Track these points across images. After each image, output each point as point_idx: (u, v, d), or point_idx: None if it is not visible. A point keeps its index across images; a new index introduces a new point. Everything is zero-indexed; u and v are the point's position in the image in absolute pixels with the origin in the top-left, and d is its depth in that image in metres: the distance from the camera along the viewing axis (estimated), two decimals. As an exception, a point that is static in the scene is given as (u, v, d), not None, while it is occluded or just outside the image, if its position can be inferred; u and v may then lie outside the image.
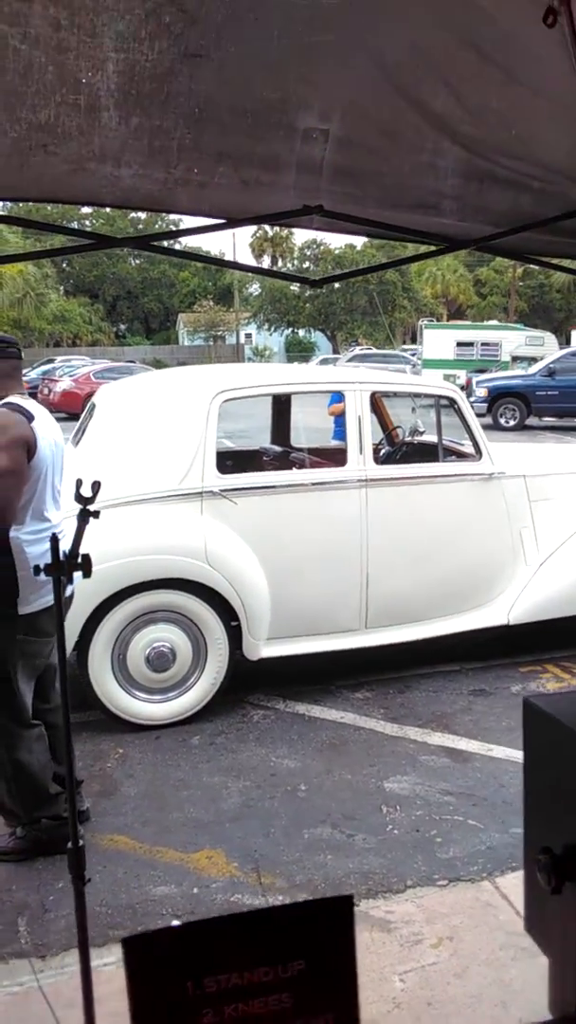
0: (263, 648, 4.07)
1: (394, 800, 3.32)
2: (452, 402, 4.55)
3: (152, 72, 1.65)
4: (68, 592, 2.88)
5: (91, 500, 1.88)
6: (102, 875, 2.80)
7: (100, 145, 1.77)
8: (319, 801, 3.32)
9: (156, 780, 3.49)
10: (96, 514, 1.91)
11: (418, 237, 2.39)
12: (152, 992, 0.84)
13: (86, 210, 49.49)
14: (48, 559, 2.78)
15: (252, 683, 4.33)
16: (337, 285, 43.01)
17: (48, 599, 2.73)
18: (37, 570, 1.87)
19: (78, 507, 1.91)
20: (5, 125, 1.67)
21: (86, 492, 1.87)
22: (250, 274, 51.05)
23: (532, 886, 1.07)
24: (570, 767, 1.02)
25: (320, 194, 2.15)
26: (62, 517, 2.87)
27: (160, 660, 3.88)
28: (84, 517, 1.89)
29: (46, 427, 2.74)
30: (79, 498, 1.88)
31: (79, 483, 1.87)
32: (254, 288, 50.98)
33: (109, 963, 2.42)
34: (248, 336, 51.02)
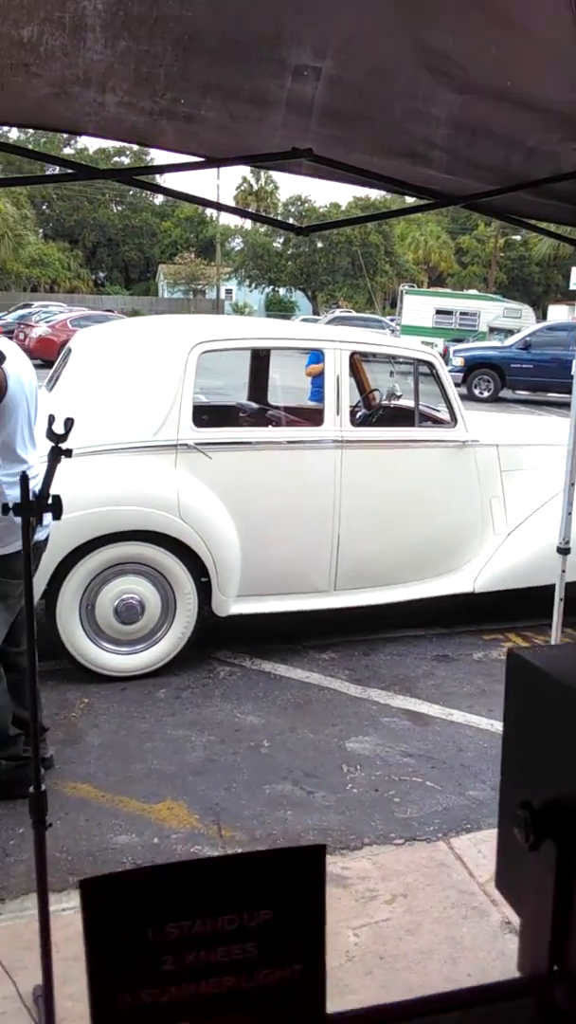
0: (232, 605, 4.06)
1: (355, 760, 3.35)
2: (431, 367, 4.51)
3: (142, -7, 1.57)
4: (44, 535, 2.82)
5: (64, 437, 1.80)
6: (64, 822, 2.80)
7: (85, 68, 1.68)
8: (281, 758, 3.34)
9: (121, 731, 3.48)
10: (68, 452, 1.83)
11: (406, 189, 2.34)
12: (110, 936, 0.83)
13: (68, 151, 47.99)
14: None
15: (220, 639, 4.33)
16: (320, 244, 42.37)
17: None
18: (6, 509, 1.80)
19: (50, 446, 1.84)
20: (-16, 40, 1.58)
21: (58, 429, 1.80)
22: (232, 227, 50.02)
23: (506, 842, 1.07)
24: (554, 720, 1.01)
25: (309, 135, 2.08)
26: (38, 458, 2.81)
27: (128, 612, 3.85)
28: (56, 455, 1.81)
29: (17, 366, 2.66)
30: (51, 435, 1.80)
31: (51, 419, 1.80)
32: (236, 243, 50.13)
33: (68, 908, 2.42)
34: (228, 292, 50.27)
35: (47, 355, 19.08)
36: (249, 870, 0.85)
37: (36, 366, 3.24)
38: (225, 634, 4.35)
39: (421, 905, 2.47)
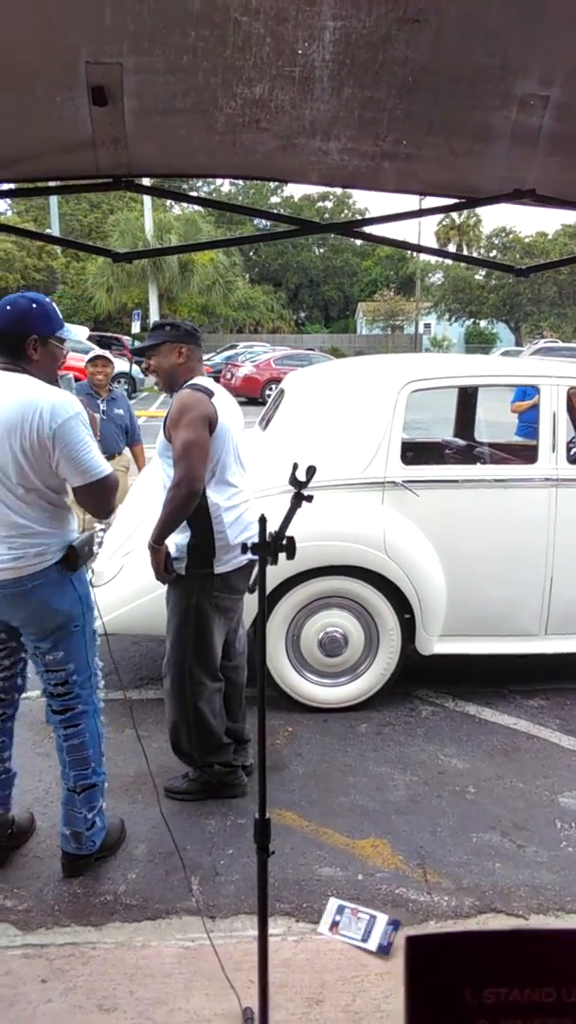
0: (436, 644, 3.97)
1: (570, 816, 3.13)
2: None
3: (368, 40, 1.61)
4: (246, 559, 3.00)
5: (305, 484, 1.89)
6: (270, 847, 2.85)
7: (311, 119, 1.75)
8: (489, 806, 3.20)
9: (323, 762, 3.50)
10: (309, 498, 1.92)
11: None
12: (429, 991, 0.84)
13: (274, 200, 50.60)
14: (241, 523, 2.96)
15: (421, 678, 4.25)
16: (525, 274, 41.08)
17: (240, 559, 2.96)
18: (244, 548, 1.92)
19: (292, 490, 1.92)
20: (221, 101, 1.69)
21: (301, 476, 1.88)
22: (433, 263, 49.98)
23: None
24: None
25: (532, 165, 2.02)
26: (249, 481, 3.09)
27: (332, 645, 3.88)
28: (297, 500, 1.91)
29: (224, 401, 2.96)
30: (294, 481, 1.89)
31: (295, 466, 1.89)
32: (436, 277, 50.02)
33: (275, 934, 2.44)
34: (427, 326, 50.14)
35: (252, 393, 20.27)
36: (571, 946, 0.83)
37: (240, 403, 3.44)
38: (426, 672, 4.26)
39: None
